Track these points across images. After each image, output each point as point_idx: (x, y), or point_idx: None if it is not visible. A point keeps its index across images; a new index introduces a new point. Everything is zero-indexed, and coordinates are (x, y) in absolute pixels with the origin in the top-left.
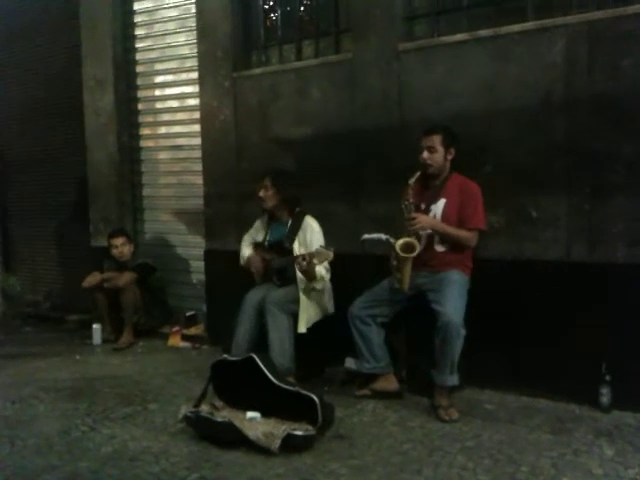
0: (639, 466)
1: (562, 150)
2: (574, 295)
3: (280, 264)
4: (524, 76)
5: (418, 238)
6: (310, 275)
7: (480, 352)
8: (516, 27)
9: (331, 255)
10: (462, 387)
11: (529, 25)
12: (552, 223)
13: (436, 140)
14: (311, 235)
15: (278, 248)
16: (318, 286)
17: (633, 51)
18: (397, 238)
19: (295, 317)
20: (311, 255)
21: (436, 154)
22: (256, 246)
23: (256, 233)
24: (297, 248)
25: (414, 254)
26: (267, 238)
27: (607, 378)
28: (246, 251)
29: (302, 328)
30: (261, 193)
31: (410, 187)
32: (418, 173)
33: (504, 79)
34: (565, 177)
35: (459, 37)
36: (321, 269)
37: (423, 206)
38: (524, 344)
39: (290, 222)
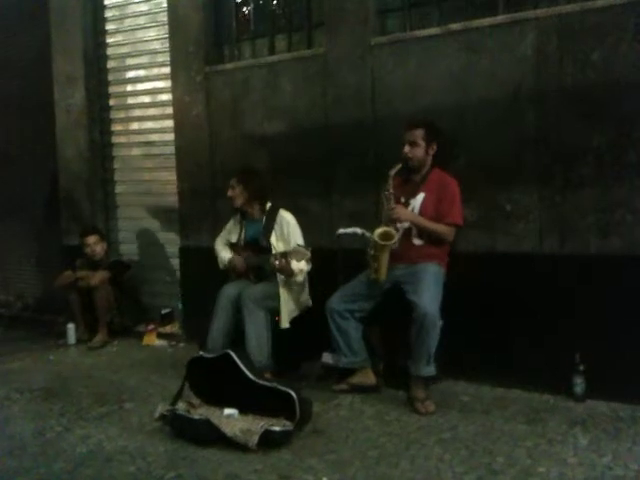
0: (612, 454)
1: (533, 143)
2: (547, 286)
3: (256, 262)
4: (496, 69)
5: (395, 230)
6: (287, 272)
7: (455, 344)
8: (487, 21)
9: (308, 254)
10: (438, 379)
11: (500, 19)
12: (524, 216)
13: (418, 135)
14: (288, 228)
15: (254, 246)
16: (298, 279)
17: (602, 44)
18: (375, 228)
19: (272, 313)
20: (288, 254)
21: (417, 148)
22: (232, 246)
23: (229, 234)
24: (275, 243)
25: (392, 242)
26: (242, 237)
27: (581, 368)
28: (225, 254)
29: (285, 323)
30: (229, 193)
31: (390, 178)
32: (399, 165)
33: (476, 73)
34: (536, 169)
35: (431, 31)
36: (300, 263)
37: (403, 199)
38: (498, 335)
39: (264, 218)
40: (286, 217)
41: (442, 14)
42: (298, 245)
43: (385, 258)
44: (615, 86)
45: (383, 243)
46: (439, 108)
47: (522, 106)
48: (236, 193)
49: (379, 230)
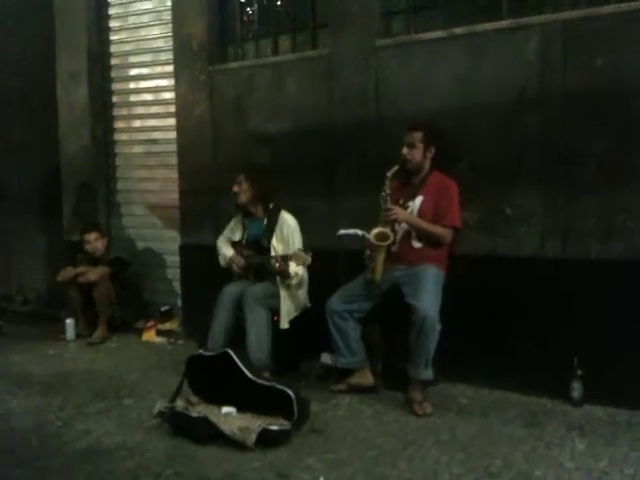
0: (609, 459)
1: (535, 146)
2: (548, 290)
3: (258, 262)
4: (499, 74)
5: (393, 231)
6: (285, 275)
7: (454, 346)
8: (491, 25)
9: (309, 259)
10: (436, 381)
11: (504, 23)
12: (526, 219)
13: (416, 137)
14: (288, 231)
15: (256, 245)
16: (292, 282)
17: (606, 50)
18: (372, 228)
19: (273, 312)
20: (288, 257)
21: (415, 151)
22: (234, 244)
23: (231, 233)
24: (275, 245)
25: (387, 242)
26: (244, 236)
27: (578, 373)
28: (227, 251)
29: (284, 324)
30: (235, 188)
31: (387, 179)
32: (396, 167)
33: (479, 76)
34: (539, 173)
35: (435, 34)
36: (297, 267)
37: (401, 202)
38: (498, 338)
39: (266, 219)
40: (287, 219)
41: (446, 18)
42: (299, 249)
43: (381, 258)
44: (619, 91)
45: (378, 243)
46: (442, 110)
47: (525, 110)
48: (242, 189)
49: (375, 230)
